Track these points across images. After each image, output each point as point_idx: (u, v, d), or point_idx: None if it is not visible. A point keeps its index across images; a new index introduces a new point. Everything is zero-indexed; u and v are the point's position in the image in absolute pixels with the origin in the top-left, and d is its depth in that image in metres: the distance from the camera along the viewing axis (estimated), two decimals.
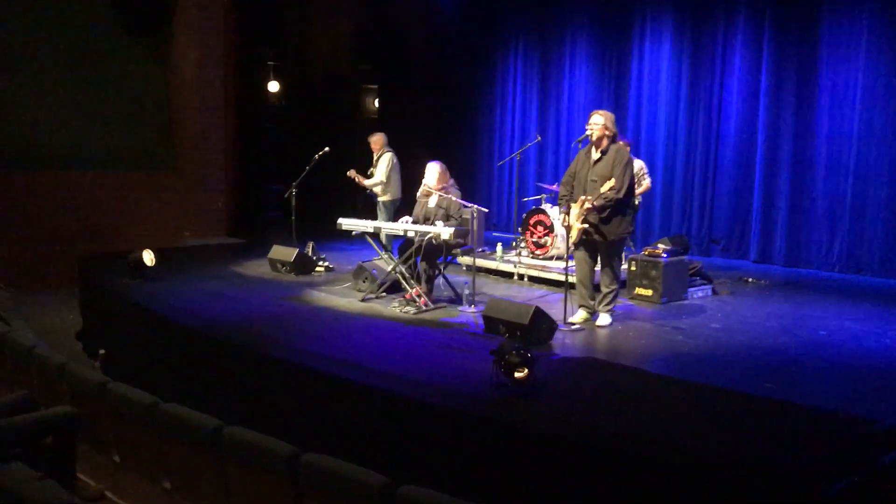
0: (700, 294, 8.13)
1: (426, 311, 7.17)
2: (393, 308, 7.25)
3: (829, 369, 5.73)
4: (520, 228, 9.47)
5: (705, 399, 4.82)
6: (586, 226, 6.60)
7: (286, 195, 9.33)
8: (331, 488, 3.24)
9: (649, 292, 7.79)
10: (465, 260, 9.23)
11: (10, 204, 10.84)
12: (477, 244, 9.90)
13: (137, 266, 8.26)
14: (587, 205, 6.47)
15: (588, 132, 6.65)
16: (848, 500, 3.50)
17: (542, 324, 6.08)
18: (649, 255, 7.89)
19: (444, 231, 7.11)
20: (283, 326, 6.52)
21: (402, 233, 7.49)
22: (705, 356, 5.95)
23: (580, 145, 6.77)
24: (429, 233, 7.14)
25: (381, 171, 9.70)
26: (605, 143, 6.63)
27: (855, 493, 3.54)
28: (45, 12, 11.39)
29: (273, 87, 14.27)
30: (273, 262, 9.09)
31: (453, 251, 7.69)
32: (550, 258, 8.92)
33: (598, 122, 6.63)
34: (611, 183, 6.40)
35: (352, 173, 9.66)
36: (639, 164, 9.08)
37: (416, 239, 7.22)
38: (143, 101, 12.36)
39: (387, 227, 7.64)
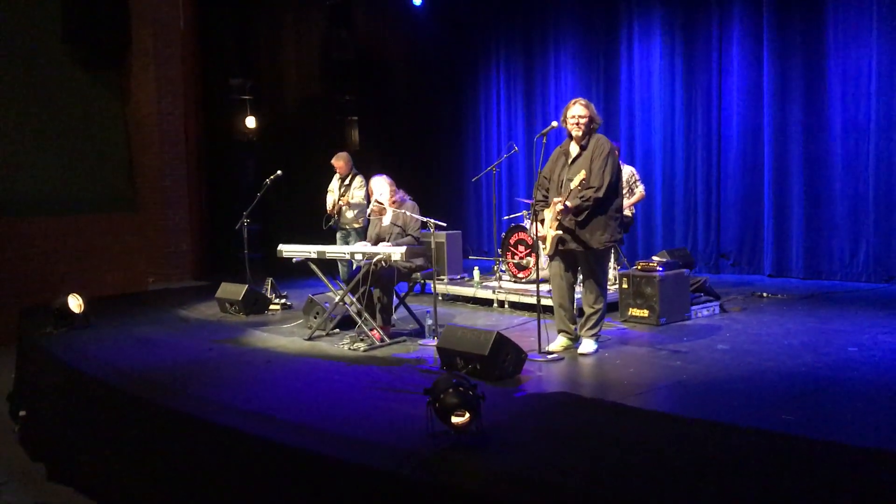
0: (705, 312, 7.03)
1: (381, 346, 6.11)
2: (342, 345, 6.19)
3: (862, 392, 4.58)
4: (499, 250, 8.40)
5: (705, 441, 3.69)
6: (560, 232, 5.55)
7: (237, 226, 8.35)
8: None
9: (645, 313, 6.69)
10: (441, 287, 8.21)
11: None
12: (453, 270, 8.87)
13: (63, 314, 7.27)
14: (559, 206, 5.43)
15: (572, 127, 5.65)
16: None
17: (505, 353, 5.01)
18: (643, 270, 6.80)
19: (394, 252, 6.04)
20: (202, 373, 5.44)
21: (348, 257, 6.44)
22: (708, 384, 4.84)
23: (544, 139, 5.73)
24: (377, 255, 6.09)
25: (363, 194, 8.72)
26: (586, 135, 5.63)
27: None
28: None
29: (250, 122, 13.39)
30: (221, 302, 8.06)
31: (413, 276, 6.63)
32: (534, 281, 7.84)
33: (583, 116, 5.60)
34: (581, 175, 5.36)
35: (342, 201, 8.88)
36: (629, 171, 8.09)
37: (363, 263, 6.17)
38: (101, 139, 11.58)
39: (331, 252, 6.57)
